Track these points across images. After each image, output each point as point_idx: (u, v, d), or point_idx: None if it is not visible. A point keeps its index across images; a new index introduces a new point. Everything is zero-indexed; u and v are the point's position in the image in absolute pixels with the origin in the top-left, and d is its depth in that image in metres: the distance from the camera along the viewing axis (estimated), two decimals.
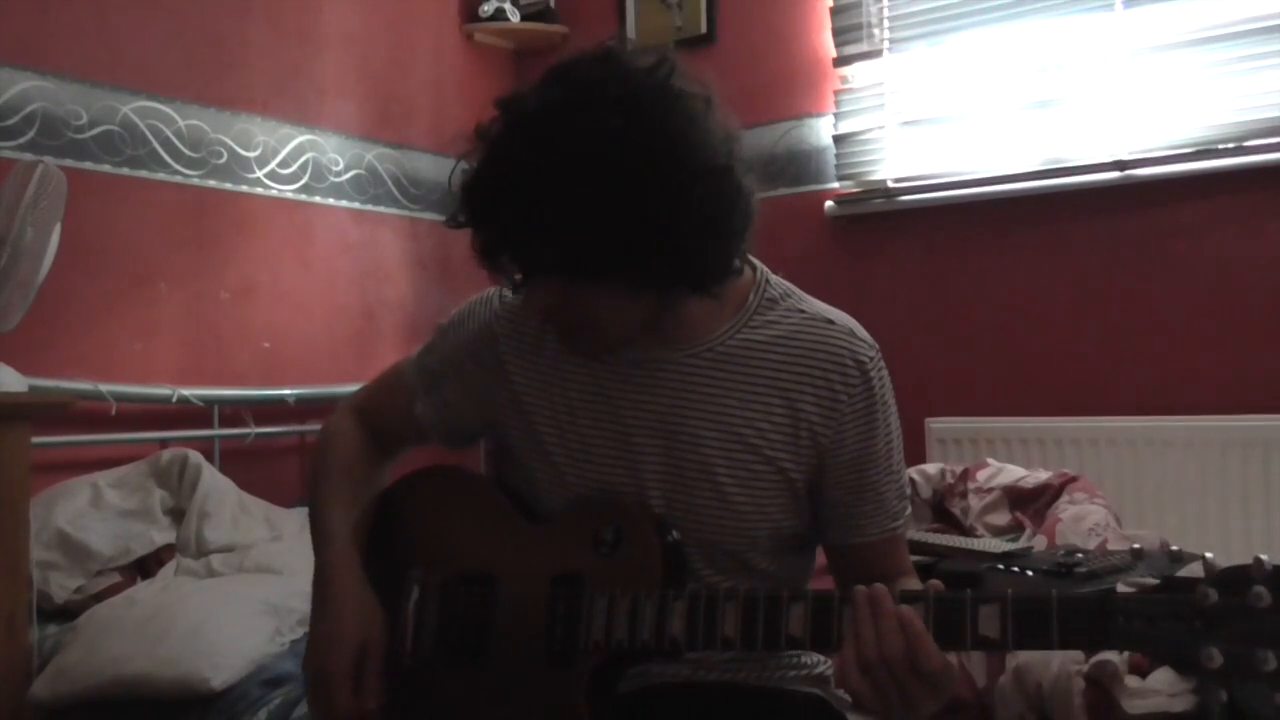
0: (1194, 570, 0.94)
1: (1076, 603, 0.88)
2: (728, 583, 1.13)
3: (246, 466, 2.52)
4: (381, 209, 3.07)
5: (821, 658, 1.21)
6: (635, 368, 1.13)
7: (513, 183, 0.99)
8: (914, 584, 1.16)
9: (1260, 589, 0.82)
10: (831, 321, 1.14)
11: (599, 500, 1.12)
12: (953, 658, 1.00)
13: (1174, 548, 1.53)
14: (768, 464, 1.11)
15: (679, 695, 1.13)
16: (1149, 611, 0.86)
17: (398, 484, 1.38)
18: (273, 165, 2.75)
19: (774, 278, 1.18)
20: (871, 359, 1.13)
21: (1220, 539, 2.38)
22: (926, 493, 2.27)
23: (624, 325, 1.07)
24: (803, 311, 1.15)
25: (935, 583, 0.95)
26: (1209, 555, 0.87)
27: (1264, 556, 0.84)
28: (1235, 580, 0.84)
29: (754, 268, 1.18)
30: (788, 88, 3.09)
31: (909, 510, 1.19)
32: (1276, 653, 0.81)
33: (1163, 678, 1.39)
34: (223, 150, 2.63)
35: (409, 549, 1.23)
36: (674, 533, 1.10)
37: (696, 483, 1.11)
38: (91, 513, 2.10)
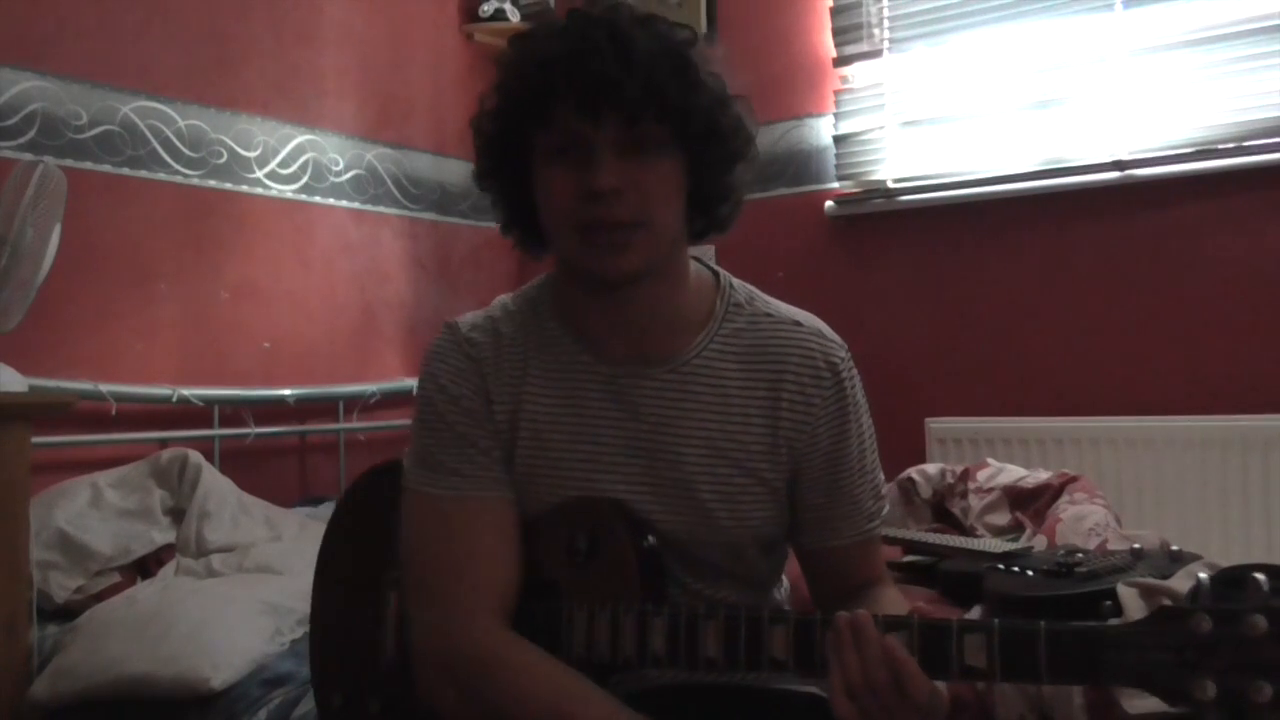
0: (1192, 572, 0.93)
1: (1065, 635, 0.86)
2: (709, 590, 1.12)
3: (246, 466, 2.52)
4: (381, 209, 3.07)
5: None
6: (609, 385, 1.11)
7: (628, 35, 1.02)
8: (891, 593, 1.15)
9: (1256, 617, 0.79)
10: (799, 323, 1.13)
11: (571, 506, 1.09)
12: None
13: (1174, 548, 1.52)
14: (749, 476, 1.10)
15: (675, 698, 1.12)
16: (1140, 643, 0.83)
17: (362, 481, 1.35)
18: (273, 165, 2.75)
19: (736, 282, 1.17)
20: (842, 359, 1.12)
21: (1220, 539, 2.38)
22: (926, 493, 2.26)
23: (666, 217, 1.05)
24: (769, 315, 1.14)
25: (921, 606, 0.94)
26: (1203, 575, 0.84)
27: (1260, 576, 0.81)
28: (1230, 607, 0.81)
29: (715, 274, 1.17)
30: (788, 88, 3.09)
31: (885, 509, 1.17)
32: (1272, 683, 0.78)
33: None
34: (223, 150, 2.63)
35: (381, 551, 1.20)
36: (650, 538, 1.08)
37: (678, 501, 1.09)
38: (91, 513, 2.10)
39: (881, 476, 1.17)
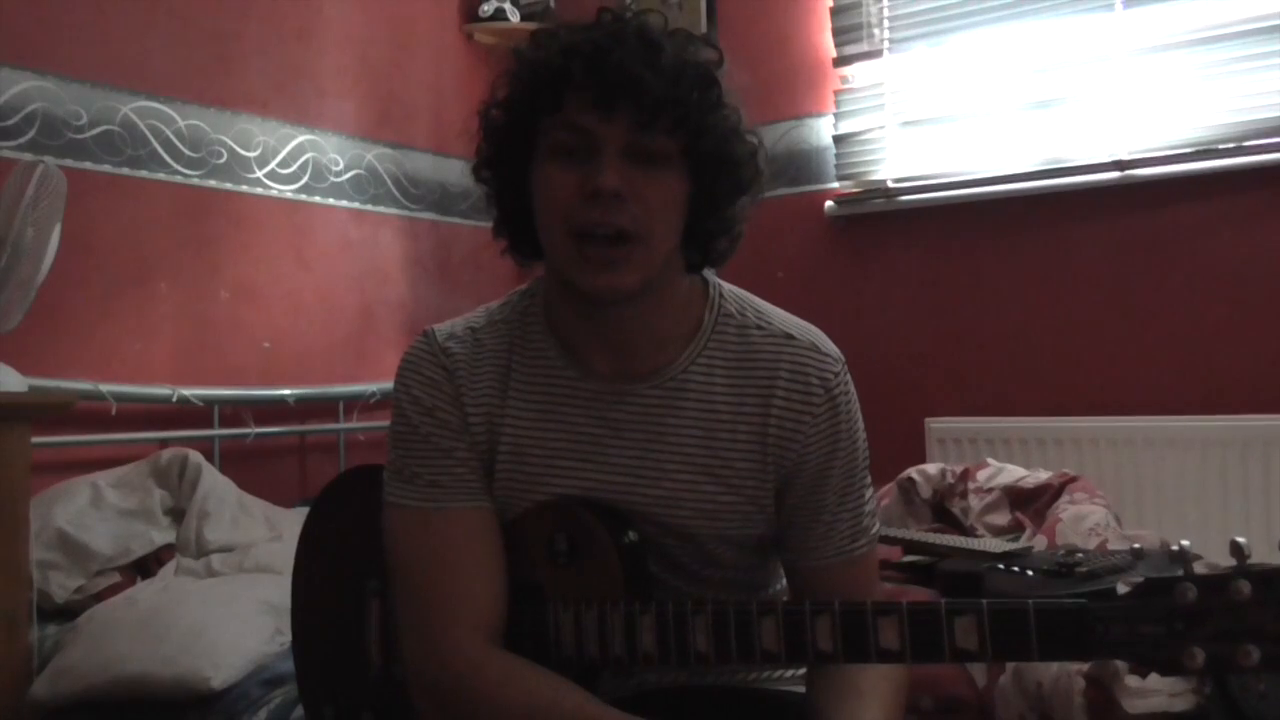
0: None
1: (1054, 613, 0.85)
2: (696, 593, 1.10)
3: (246, 466, 2.52)
4: (381, 209, 3.07)
5: None
6: (592, 403, 1.07)
7: (656, 39, 1.00)
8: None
9: (1240, 582, 0.80)
10: (792, 336, 1.08)
11: (548, 507, 1.07)
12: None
13: (1174, 548, 1.53)
14: (735, 493, 1.07)
15: (676, 701, 1.12)
16: (1128, 617, 0.83)
17: (334, 486, 1.34)
18: (272, 165, 2.75)
19: (727, 289, 1.12)
20: (836, 374, 1.07)
21: (1220, 539, 2.36)
22: (926, 493, 2.27)
23: (664, 233, 1.01)
24: (760, 328, 1.09)
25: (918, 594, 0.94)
26: (1185, 543, 0.85)
27: (1241, 540, 0.82)
28: (1213, 575, 0.82)
29: (705, 282, 1.12)
30: (788, 88, 3.09)
31: (875, 528, 1.11)
32: (1259, 645, 0.79)
33: (1164, 677, 1.39)
34: (222, 150, 2.63)
35: (358, 557, 1.18)
36: (630, 533, 1.05)
37: (660, 517, 1.07)
38: (91, 513, 2.09)
39: (869, 493, 1.12)
